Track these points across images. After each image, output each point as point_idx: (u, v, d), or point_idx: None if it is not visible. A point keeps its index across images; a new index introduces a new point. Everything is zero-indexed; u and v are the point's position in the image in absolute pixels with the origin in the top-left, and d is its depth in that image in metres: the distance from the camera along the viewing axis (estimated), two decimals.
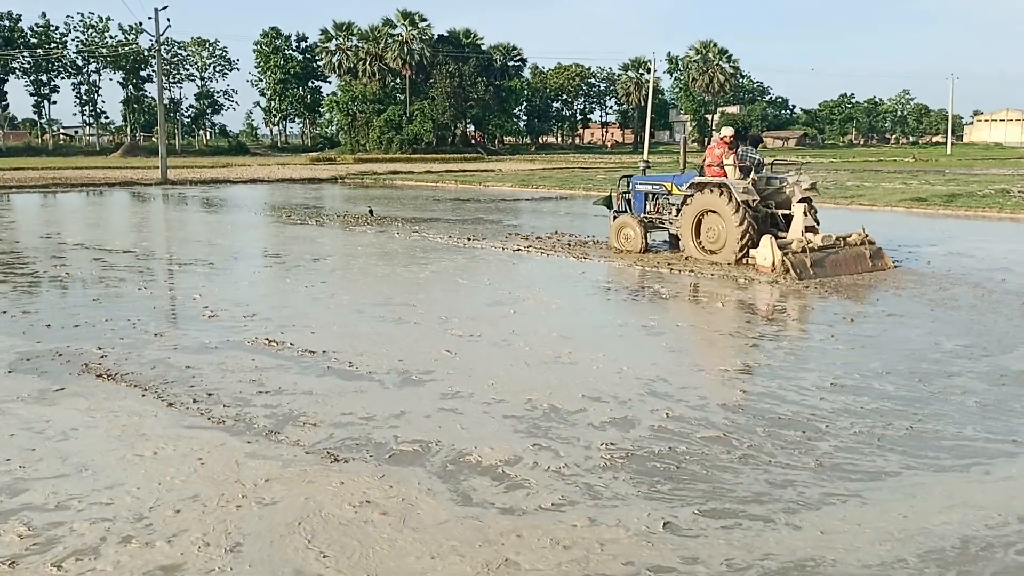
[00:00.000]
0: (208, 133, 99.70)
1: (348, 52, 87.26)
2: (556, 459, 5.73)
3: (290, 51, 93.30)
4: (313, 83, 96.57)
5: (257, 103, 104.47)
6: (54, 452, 5.82)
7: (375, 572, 4.29)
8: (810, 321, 10.16)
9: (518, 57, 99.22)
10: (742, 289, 12.42)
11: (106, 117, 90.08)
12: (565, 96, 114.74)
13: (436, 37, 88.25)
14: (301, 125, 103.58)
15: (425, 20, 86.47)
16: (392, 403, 6.92)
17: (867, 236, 14.22)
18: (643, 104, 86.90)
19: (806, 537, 4.67)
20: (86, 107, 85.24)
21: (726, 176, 14.46)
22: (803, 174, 14.82)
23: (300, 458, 5.72)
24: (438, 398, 7.06)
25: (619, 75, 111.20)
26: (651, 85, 75.38)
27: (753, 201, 14.04)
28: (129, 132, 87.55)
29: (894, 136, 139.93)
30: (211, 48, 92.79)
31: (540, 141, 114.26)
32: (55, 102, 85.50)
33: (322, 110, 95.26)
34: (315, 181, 43.34)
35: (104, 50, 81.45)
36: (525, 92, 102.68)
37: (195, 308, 10.87)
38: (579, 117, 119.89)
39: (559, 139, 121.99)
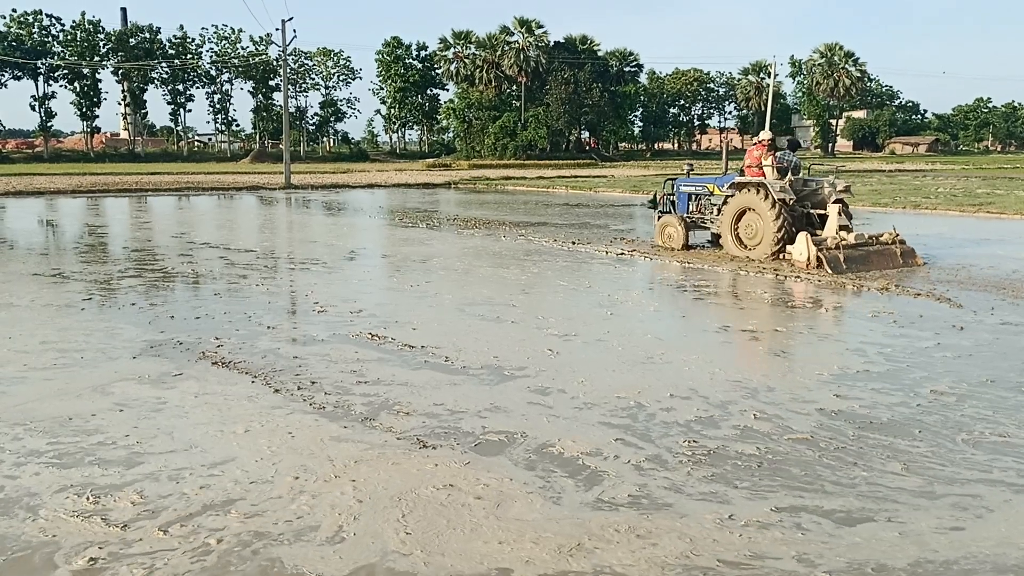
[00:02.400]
0: (331, 140, 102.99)
1: (465, 60, 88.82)
2: (637, 453, 5.82)
3: (410, 60, 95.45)
4: (431, 91, 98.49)
5: (378, 111, 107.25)
6: (167, 429, 6.29)
7: (442, 550, 4.49)
8: (919, 328, 9.84)
9: (634, 62, 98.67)
10: (850, 296, 12.14)
11: (237, 125, 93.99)
12: (682, 101, 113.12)
13: (552, 44, 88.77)
14: (419, 132, 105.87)
15: (542, 27, 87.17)
16: (483, 396, 7.14)
17: (898, 235, 15.14)
18: (763, 109, 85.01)
19: (881, 538, 4.61)
20: (218, 115, 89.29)
21: (764, 176, 15.29)
22: (839, 178, 15.84)
23: (391, 442, 6.01)
24: (528, 393, 7.24)
25: (738, 79, 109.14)
26: (771, 89, 73.60)
27: (790, 200, 14.91)
28: (258, 139, 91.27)
29: None
30: (335, 58, 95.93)
31: (656, 147, 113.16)
32: (190, 110, 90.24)
33: (439, 117, 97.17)
34: (429, 186, 44.34)
35: (236, 61, 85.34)
36: (641, 98, 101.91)
37: (307, 304, 11.42)
38: (696, 123, 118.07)
39: (676, 145, 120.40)
